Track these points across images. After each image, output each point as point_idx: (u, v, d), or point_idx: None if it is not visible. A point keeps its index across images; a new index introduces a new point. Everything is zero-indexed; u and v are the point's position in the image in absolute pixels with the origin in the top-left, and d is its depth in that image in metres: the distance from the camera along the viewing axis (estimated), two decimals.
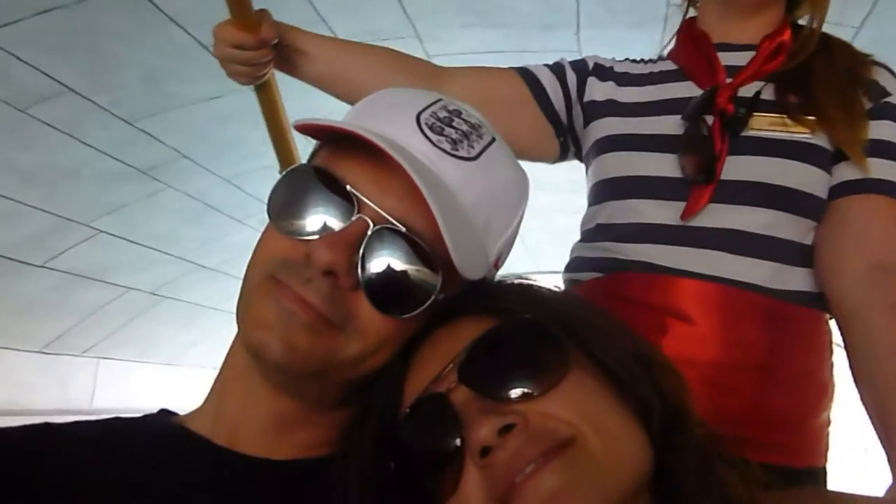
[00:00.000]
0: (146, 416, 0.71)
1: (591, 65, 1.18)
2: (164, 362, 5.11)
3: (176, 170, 3.32)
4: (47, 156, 2.84)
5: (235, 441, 0.65)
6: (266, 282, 0.60)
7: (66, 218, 3.22)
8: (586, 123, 1.15)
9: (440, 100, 0.68)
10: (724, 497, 0.54)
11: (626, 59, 1.20)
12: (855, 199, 0.97)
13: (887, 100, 1.00)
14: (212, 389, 0.70)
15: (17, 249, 3.22)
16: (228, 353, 0.69)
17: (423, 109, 0.65)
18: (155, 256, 3.91)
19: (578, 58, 1.21)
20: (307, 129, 0.64)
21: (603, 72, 1.16)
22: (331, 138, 0.66)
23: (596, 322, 0.62)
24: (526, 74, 1.17)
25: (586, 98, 1.16)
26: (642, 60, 1.19)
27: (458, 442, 0.53)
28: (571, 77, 1.17)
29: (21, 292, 3.47)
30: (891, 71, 1.04)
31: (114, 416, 0.70)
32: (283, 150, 1.23)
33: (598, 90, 1.15)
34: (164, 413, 0.73)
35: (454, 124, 0.65)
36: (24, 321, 3.69)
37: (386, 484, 0.58)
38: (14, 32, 2.25)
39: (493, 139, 0.68)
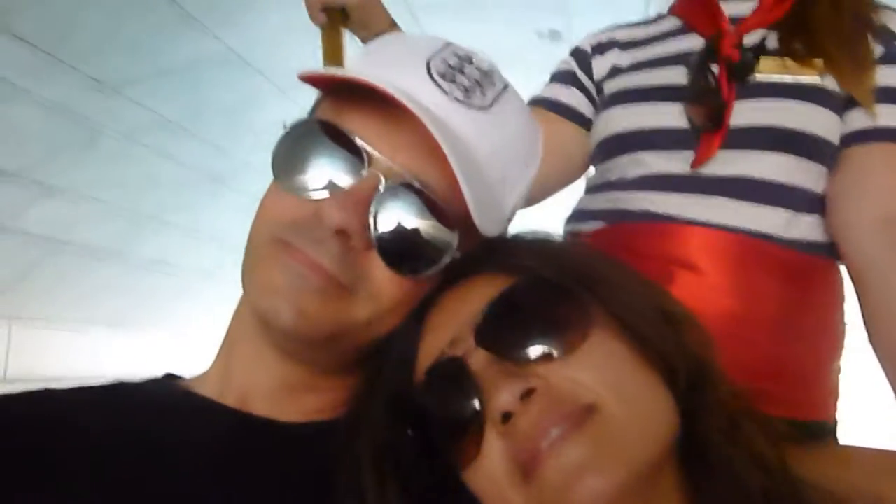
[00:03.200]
0: (150, 381, 0.69)
1: (588, 48, 1.17)
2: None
3: None
4: None
5: (245, 403, 0.63)
6: (273, 244, 0.58)
7: None
8: (601, 97, 1.15)
9: (450, 44, 0.65)
10: (753, 455, 0.53)
11: (627, 24, 1.19)
12: (867, 148, 0.94)
13: None
14: (218, 353, 0.68)
15: None
16: (234, 316, 0.67)
17: (433, 55, 0.62)
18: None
19: (573, 47, 1.21)
20: (312, 81, 0.61)
21: (602, 47, 1.15)
22: (335, 89, 0.62)
23: (617, 277, 0.59)
24: (545, 103, 1.17)
25: (597, 78, 1.15)
26: (644, 22, 1.17)
27: (477, 407, 0.51)
28: (579, 73, 1.17)
29: None
30: None
31: (117, 380, 0.67)
32: None
33: (602, 65, 1.14)
34: (169, 377, 0.71)
35: (465, 71, 0.62)
36: None
37: (401, 449, 0.56)
38: None
39: (506, 86, 0.65)
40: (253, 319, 0.61)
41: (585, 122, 1.15)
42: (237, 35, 2.68)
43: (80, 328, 4.07)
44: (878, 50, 0.97)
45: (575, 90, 1.16)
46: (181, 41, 2.59)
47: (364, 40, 1.20)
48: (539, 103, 1.17)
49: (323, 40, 1.18)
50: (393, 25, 1.21)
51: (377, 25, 1.19)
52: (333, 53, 1.19)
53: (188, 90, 2.90)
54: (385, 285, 0.58)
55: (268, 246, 0.58)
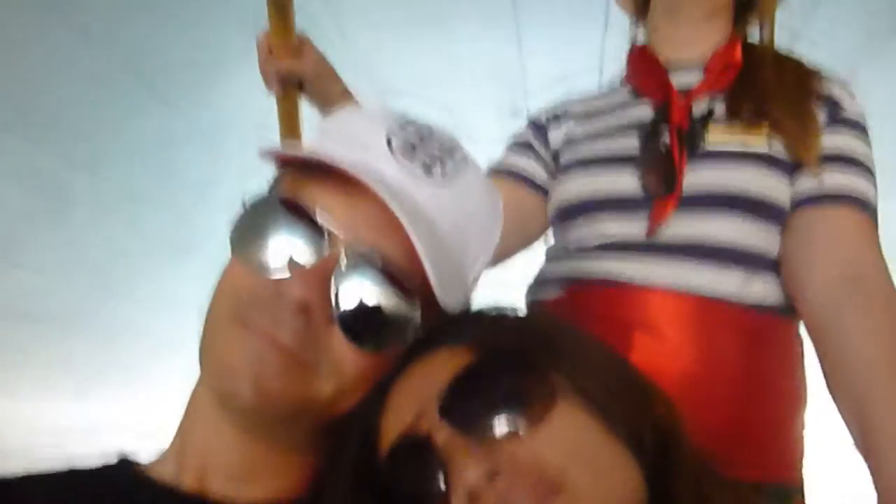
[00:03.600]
0: (104, 468, 0.66)
1: (544, 119, 1.21)
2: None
3: None
4: None
5: (203, 484, 0.61)
6: (233, 321, 0.56)
7: None
8: (557, 166, 1.17)
9: (409, 119, 0.65)
10: None
11: (580, 97, 1.22)
12: (816, 211, 0.97)
13: (843, 114, 1.01)
14: (176, 433, 0.65)
15: None
16: (192, 395, 0.65)
17: (393, 131, 0.63)
18: None
19: (532, 116, 1.25)
20: (273, 158, 0.61)
21: (557, 118, 1.19)
22: (296, 165, 0.63)
23: (580, 348, 0.59)
24: (503, 172, 1.19)
25: (552, 148, 1.18)
26: (597, 95, 1.21)
27: (442, 486, 0.51)
28: (535, 143, 1.20)
29: None
30: (844, 83, 1.05)
31: (69, 468, 0.64)
32: None
33: (557, 135, 1.17)
34: (125, 463, 0.68)
35: (426, 145, 0.63)
36: None
37: None
38: None
39: (465, 159, 0.66)
40: (211, 397, 0.60)
41: (541, 190, 1.17)
42: (206, 111, 2.78)
43: (45, 399, 4.04)
44: (822, 116, 1.00)
45: (531, 159, 1.18)
46: (152, 118, 2.68)
47: (319, 109, 1.23)
48: (496, 171, 1.19)
49: (279, 110, 1.21)
50: (346, 94, 1.24)
51: (332, 95, 1.22)
52: (289, 122, 1.21)
53: (157, 164, 2.98)
54: (347, 361, 0.57)
55: (227, 323, 0.57)
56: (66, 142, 2.67)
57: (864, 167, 0.99)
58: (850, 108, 1.02)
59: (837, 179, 0.97)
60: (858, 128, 1.01)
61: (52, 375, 4.05)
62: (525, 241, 1.20)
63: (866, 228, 0.96)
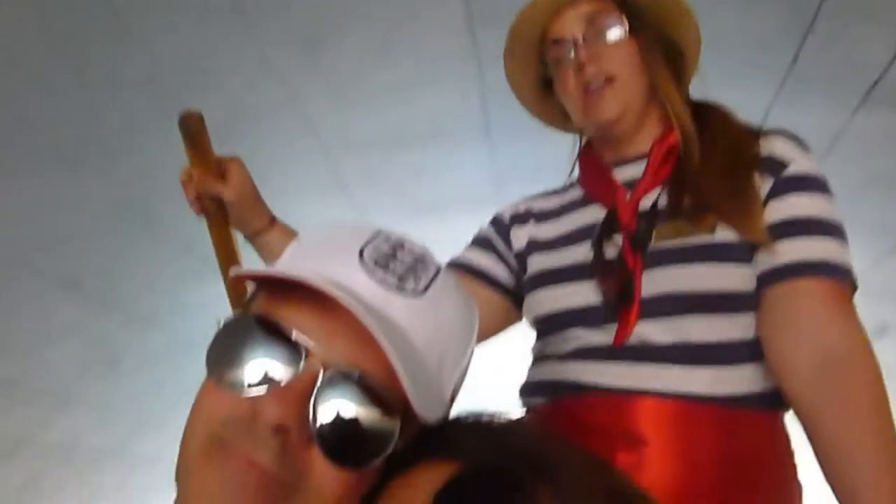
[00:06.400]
0: None
1: (507, 217, 1.21)
2: None
3: None
4: None
5: None
6: (209, 444, 0.55)
7: None
8: (522, 270, 1.17)
9: (381, 231, 0.66)
10: None
11: (540, 193, 1.23)
12: (779, 287, 0.94)
13: (786, 172, 0.97)
14: None
15: None
16: None
17: (366, 244, 0.63)
18: None
19: (493, 215, 1.25)
20: (246, 278, 0.62)
21: (520, 218, 1.19)
22: (269, 283, 0.63)
23: (563, 458, 0.57)
24: (463, 266, 1.19)
25: (515, 249, 1.17)
26: (555, 191, 1.21)
27: None
28: (497, 241, 1.20)
29: None
30: (786, 133, 1.02)
31: None
32: (235, 291, 1.16)
33: (521, 236, 1.17)
34: None
35: (398, 257, 0.63)
36: None
37: None
38: None
39: (438, 270, 0.66)
40: None
41: (500, 287, 1.17)
42: None
43: None
44: (767, 184, 0.96)
45: (492, 257, 1.18)
46: (200, 283, 3.09)
47: (247, 238, 1.19)
48: (457, 266, 1.19)
49: (210, 236, 1.17)
50: (274, 222, 1.20)
51: (255, 223, 1.17)
52: (222, 245, 1.17)
53: (199, 318, 3.38)
54: (327, 480, 0.56)
55: (203, 446, 0.56)
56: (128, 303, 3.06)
57: (822, 226, 0.94)
58: (796, 163, 0.98)
59: (793, 249, 0.93)
60: (809, 183, 0.97)
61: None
62: (481, 337, 1.15)
63: (834, 296, 0.91)
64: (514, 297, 1.19)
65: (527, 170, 2.38)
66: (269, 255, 1.20)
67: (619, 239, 1.01)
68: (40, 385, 3.15)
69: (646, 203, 1.02)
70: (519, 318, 1.22)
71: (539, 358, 1.10)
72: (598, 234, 1.03)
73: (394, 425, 0.57)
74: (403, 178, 2.87)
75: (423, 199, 3.01)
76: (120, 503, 4.35)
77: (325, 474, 0.56)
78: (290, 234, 1.20)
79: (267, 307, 0.61)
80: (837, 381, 0.87)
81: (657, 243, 0.98)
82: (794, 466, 0.97)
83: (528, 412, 1.07)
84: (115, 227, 2.74)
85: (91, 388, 3.42)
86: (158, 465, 4.15)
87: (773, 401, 0.95)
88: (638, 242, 0.98)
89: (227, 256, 1.18)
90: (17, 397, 3.09)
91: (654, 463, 0.90)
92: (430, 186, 2.92)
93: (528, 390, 1.09)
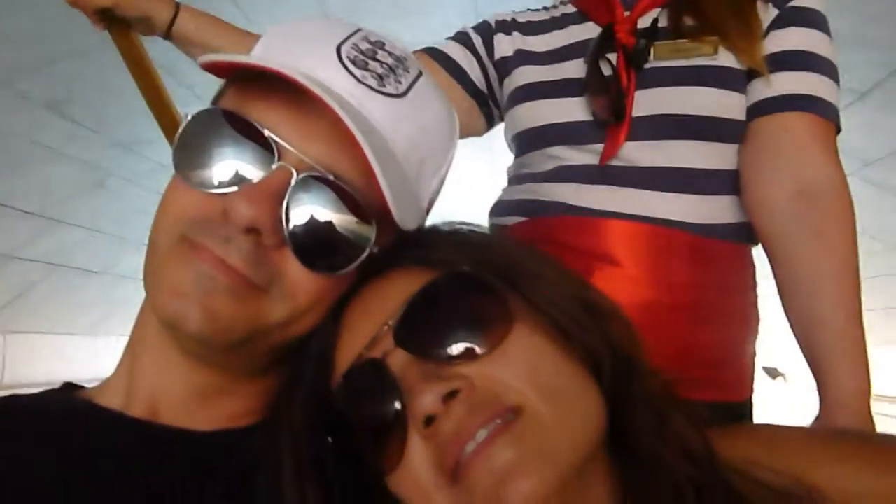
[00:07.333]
0: (47, 392, 0.65)
1: (493, 23, 1.15)
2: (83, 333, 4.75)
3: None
4: None
5: (154, 413, 0.59)
6: (179, 244, 0.53)
7: None
8: (501, 80, 1.12)
9: (360, 30, 0.61)
10: (681, 446, 0.53)
11: (527, 9, 1.17)
12: (769, 119, 0.93)
13: (792, 3, 0.94)
14: (121, 360, 0.63)
15: None
16: (137, 322, 0.63)
17: (344, 41, 0.58)
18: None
19: (478, 21, 1.18)
20: (213, 68, 0.57)
21: (506, 26, 1.13)
22: (240, 76, 0.58)
23: (539, 270, 0.57)
24: (436, 54, 1.13)
25: (497, 56, 1.12)
26: (543, 8, 1.16)
27: (398, 410, 0.49)
28: (478, 41, 1.14)
29: None
30: None
31: (11, 394, 0.63)
32: (154, 101, 1.10)
33: (505, 44, 1.11)
34: (69, 387, 0.66)
35: (378, 57, 0.59)
36: None
37: (321, 456, 0.54)
38: None
39: (420, 73, 0.62)
40: (158, 325, 0.57)
41: (469, 87, 1.12)
42: None
43: (66, 337, 4.55)
44: (771, 13, 0.94)
45: (469, 55, 1.13)
46: (185, 108, 3.08)
47: (165, 38, 1.10)
48: (431, 54, 1.12)
49: (116, 46, 1.09)
50: (179, 7, 1.10)
51: (160, 14, 1.08)
52: (131, 58, 1.09)
53: None
54: (300, 283, 0.55)
55: (172, 245, 0.54)
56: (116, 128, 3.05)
57: (819, 61, 0.93)
58: None
59: (788, 81, 0.92)
60: (811, 17, 0.94)
61: (73, 317, 4.53)
62: None
63: (822, 133, 0.92)
64: (479, 102, 1.14)
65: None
66: (191, 45, 1.11)
67: (614, 57, 0.98)
68: (27, 204, 3.23)
69: (645, 21, 0.99)
70: (482, 128, 1.19)
71: (516, 177, 1.09)
72: (594, 49, 0.99)
73: (368, 231, 0.56)
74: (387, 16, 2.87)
75: (405, 39, 3.01)
76: (104, 314, 4.63)
77: (297, 279, 0.55)
78: (202, 15, 1.12)
79: (238, 103, 0.56)
80: (812, 212, 0.89)
81: (655, 61, 0.96)
82: (756, 297, 1.01)
83: (502, 229, 1.05)
84: (102, 51, 2.72)
85: (77, 207, 3.49)
86: (140, 281, 4.37)
87: (745, 234, 0.97)
88: (634, 59, 0.96)
89: (137, 69, 1.09)
90: (5, 214, 3.17)
91: (626, 284, 0.92)
92: (413, 25, 2.93)
93: (501, 209, 1.08)
